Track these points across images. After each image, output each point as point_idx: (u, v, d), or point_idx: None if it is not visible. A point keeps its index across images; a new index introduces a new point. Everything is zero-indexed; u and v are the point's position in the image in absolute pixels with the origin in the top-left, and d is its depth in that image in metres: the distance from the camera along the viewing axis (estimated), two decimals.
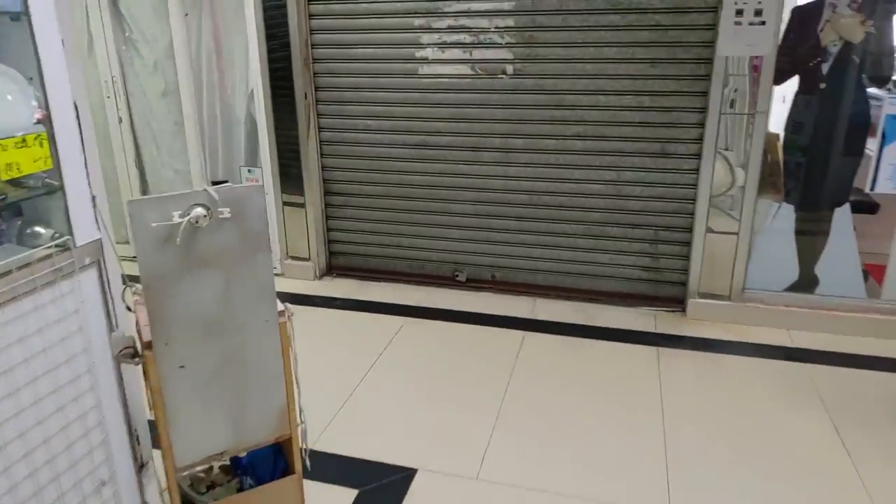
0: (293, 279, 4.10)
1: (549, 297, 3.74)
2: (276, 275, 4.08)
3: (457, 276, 3.92)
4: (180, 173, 4.29)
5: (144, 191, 4.43)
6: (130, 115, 4.27)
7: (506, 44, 3.46)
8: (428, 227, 3.90)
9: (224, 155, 4.22)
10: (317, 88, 3.86)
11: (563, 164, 3.55)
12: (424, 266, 3.98)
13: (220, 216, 1.53)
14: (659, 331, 3.37)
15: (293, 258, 4.09)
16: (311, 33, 3.76)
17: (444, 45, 3.56)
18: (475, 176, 3.72)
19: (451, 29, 3.52)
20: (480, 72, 3.54)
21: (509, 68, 3.50)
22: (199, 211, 1.50)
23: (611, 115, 3.41)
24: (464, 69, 3.57)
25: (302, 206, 3.97)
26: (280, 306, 1.75)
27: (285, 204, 4.00)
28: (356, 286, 4.00)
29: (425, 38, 3.58)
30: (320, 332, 3.43)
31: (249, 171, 4.16)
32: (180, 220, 1.48)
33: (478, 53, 3.52)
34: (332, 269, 4.19)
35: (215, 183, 1.60)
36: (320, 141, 3.95)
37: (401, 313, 3.61)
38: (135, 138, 4.32)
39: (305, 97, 3.80)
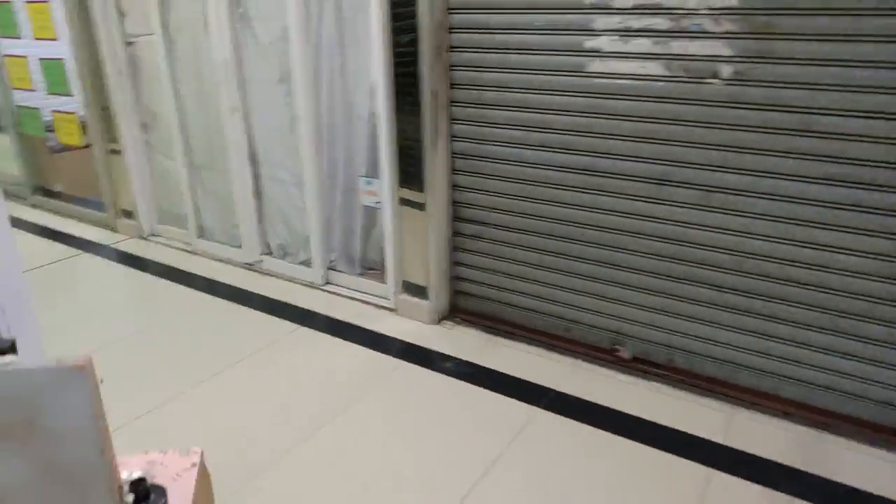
0: (407, 319, 3.28)
1: (754, 406, 2.56)
2: (387, 309, 3.30)
3: (617, 350, 2.85)
4: (296, 177, 3.62)
5: (258, 193, 3.83)
6: (245, 105, 3.65)
7: (724, 33, 2.27)
8: (584, 279, 2.86)
9: (344, 159, 3.47)
10: (452, 85, 2.93)
11: (803, 220, 2.31)
12: (573, 329, 2.96)
13: None
14: None
15: (408, 289, 3.26)
16: (449, 12, 2.82)
17: (627, 33, 2.45)
18: (659, 219, 2.60)
19: (639, 9, 2.40)
20: (680, 73, 2.39)
21: (726, 70, 2.31)
22: None
23: (893, 152, 2.11)
24: (654, 68, 2.43)
25: (422, 209, 3.08)
26: None
27: (402, 202, 3.13)
28: (481, 342, 3.08)
29: (600, 21, 2.49)
30: (413, 413, 2.57)
31: (368, 182, 3.37)
32: None
33: (678, 46, 2.37)
34: (456, 311, 3.31)
35: None
36: (452, 153, 3.04)
37: (531, 398, 2.64)
38: (249, 132, 3.71)
39: (435, 96, 2.89)
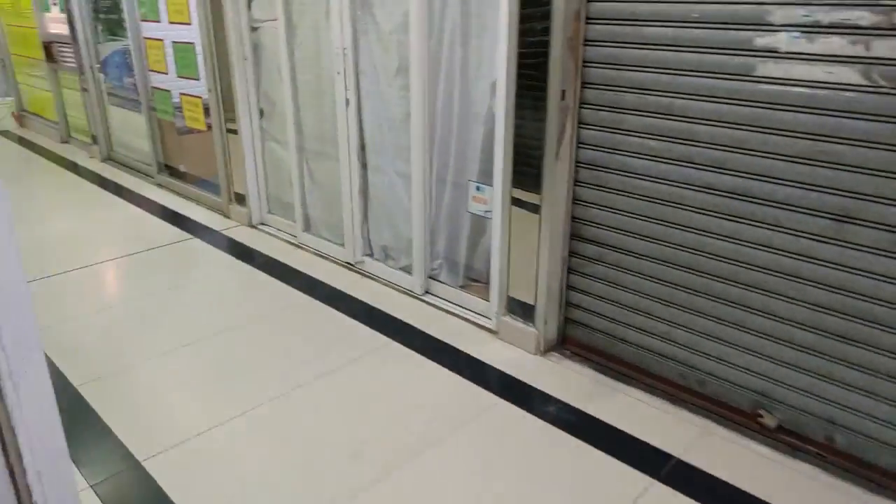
0: (508, 346, 2.93)
1: None
2: (488, 330, 2.97)
3: (760, 416, 2.35)
4: (403, 177, 3.37)
5: (365, 190, 3.61)
6: (359, 97, 3.44)
7: None
8: (726, 325, 2.38)
9: (456, 160, 3.17)
10: (584, 84, 2.54)
11: None
12: (706, 382, 2.48)
13: None
14: None
15: (513, 308, 2.90)
16: (589, 0, 2.43)
17: (813, 29, 1.95)
18: (832, 263, 2.08)
19: None
20: (883, 83, 1.86)
21: None
22: None
23: None
24: (847, 74, 1.92)
25: (536, 211, 2.72)
26: None
27: (515, 203, 2.78)
28: (592, 383, 2.67)
29: (779, 13, 2.00)
30: (505, 465, 2.21)
31: (479, 188, 3.04)
32: None
33: (884, 47, 1.84)
34: (566, 341, 2.92)
35: None
36: (576, 162, 2.65)
37: (647, 464, 2.21)
38: (360, 126, 3.50)
39: (563, 96, 2.52)
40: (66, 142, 7.06)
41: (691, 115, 2.27)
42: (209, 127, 4.62)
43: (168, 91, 5.03)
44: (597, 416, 2.46)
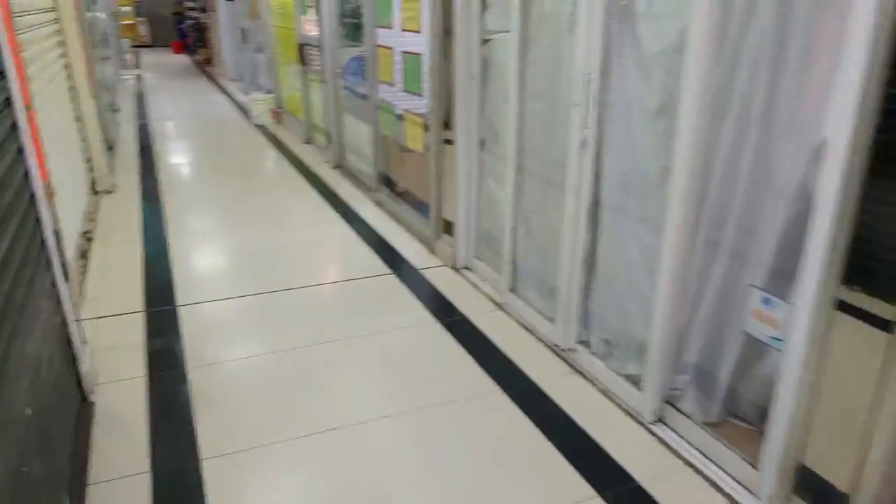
0: None
1: None
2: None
3: None
4: (648, 253, 2.41)
5: (591, 261, 2.71)
6: (600, 139, 2.54)
7: None
8: None
9: (733, 247, 2.13)
10: None
11: None
12: None
13: None
14: None
15: (803, 487, 1.81)
16: None
17: None
18: None
19: None
20: None
21: None
22: None
23: None
24: None
25: (883, 327, 1.61)
26: None
27: (840, 308, 1.70)
28: None
29: None
30: None
31: (767, 301, 1.97)
32: None
33: None
34: None
35: None
36: None
37: None
38: (597, 176, 2.59)
39: None
40: (309, 142, 7.15)
41: None
42: (427, 149, 4.05)
43: (393, 105, 4.60)
44: None
